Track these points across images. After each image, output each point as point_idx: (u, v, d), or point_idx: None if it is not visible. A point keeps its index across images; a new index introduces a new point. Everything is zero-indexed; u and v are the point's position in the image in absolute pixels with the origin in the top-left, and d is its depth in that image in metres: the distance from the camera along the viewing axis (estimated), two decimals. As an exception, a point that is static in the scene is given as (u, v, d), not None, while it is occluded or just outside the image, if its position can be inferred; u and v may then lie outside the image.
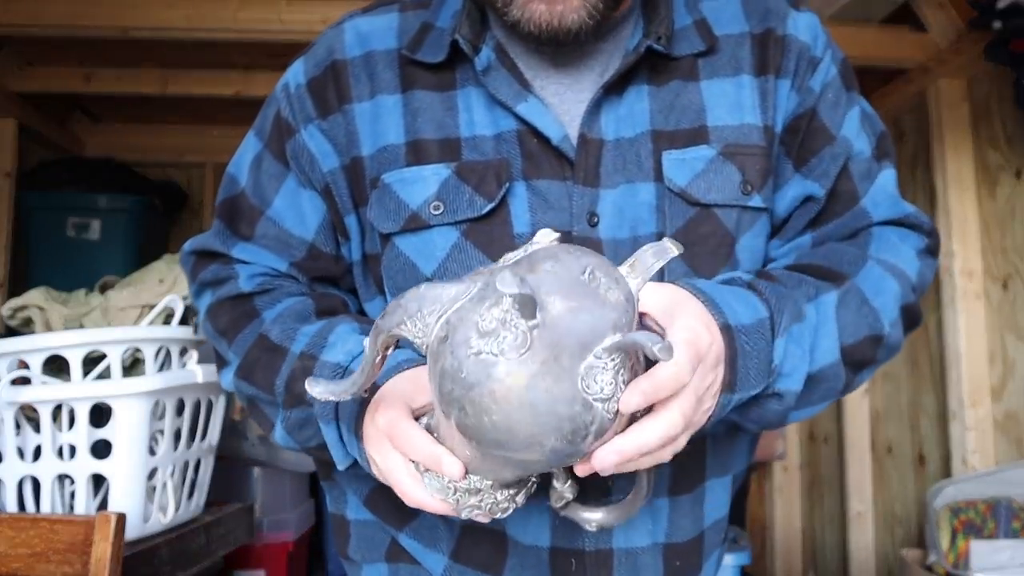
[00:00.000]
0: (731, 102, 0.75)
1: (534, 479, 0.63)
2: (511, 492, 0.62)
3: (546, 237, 0.58)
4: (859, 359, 0.71)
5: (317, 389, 0.62)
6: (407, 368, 0.67)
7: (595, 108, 0.74)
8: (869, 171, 0.79)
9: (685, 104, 0.75)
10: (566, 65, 0.76)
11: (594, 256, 0.55)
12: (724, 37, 0.77)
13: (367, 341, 0.61)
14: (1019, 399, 2.09)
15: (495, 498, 0.61)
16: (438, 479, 0.61)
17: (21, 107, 2.65)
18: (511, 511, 0.63)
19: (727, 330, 0.62)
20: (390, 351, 0.61)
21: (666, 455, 0.59)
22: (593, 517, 0.67)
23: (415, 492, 0.62)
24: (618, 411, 0.53)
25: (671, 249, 0.57)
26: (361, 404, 0.66)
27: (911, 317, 0.76)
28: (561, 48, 0.74)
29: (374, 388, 0.66)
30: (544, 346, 0.51)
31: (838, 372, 0.70)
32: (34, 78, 2.61)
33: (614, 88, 0.74)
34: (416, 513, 0.78)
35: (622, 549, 0.75)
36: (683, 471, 0.77)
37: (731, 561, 2.11)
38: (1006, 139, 2.15)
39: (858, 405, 2.61)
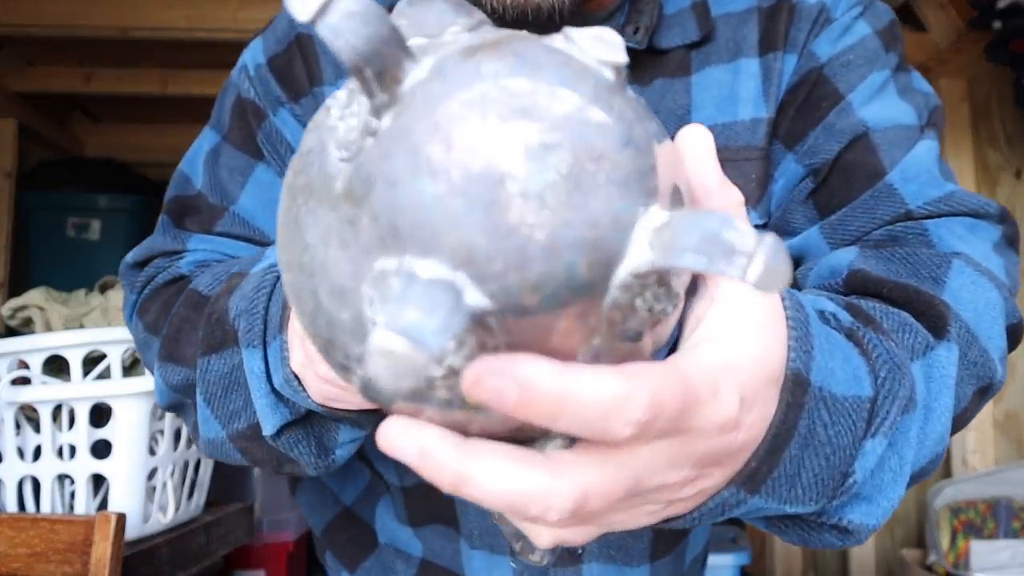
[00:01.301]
0: (724, 95, 0.62)
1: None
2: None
3: (598, 42, 0.30)
4: (960, 426, 0.51)
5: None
6: None
7: None
8: (905, 142, 0.59)
9: (670, 106, 0.62)
10: None
11: (611, 136, 0.28)
12: (724, 17, 0.63)
13: None
14: (1019, 399, 2.09)
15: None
16: None
17: (21, 107, 2.65)
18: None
19: (797, 386, 0.36)
20: None
21: (540, 539, 0.33)
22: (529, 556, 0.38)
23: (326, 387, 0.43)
24: (418, 392, 0.28)
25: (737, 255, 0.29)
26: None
27: (1016, 337, 0.56)
28: (540, 29, 0.60)
29: None
30: (357, 176, 0.28)
31: (940, 459, 0.48)
32: (34, 78, 2.61)
33: None
34: (369, 553, 0.71)
35: None
36: (667, 536, 0.67)
37: (731, 561, 2.11)
38: (1006, 139, 2.15)
39: (858, 405, 2.60)
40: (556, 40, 0.31)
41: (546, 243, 0.27)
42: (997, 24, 1.87)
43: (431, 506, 0.63)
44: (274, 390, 0.50)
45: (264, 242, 0.68)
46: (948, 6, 2.15)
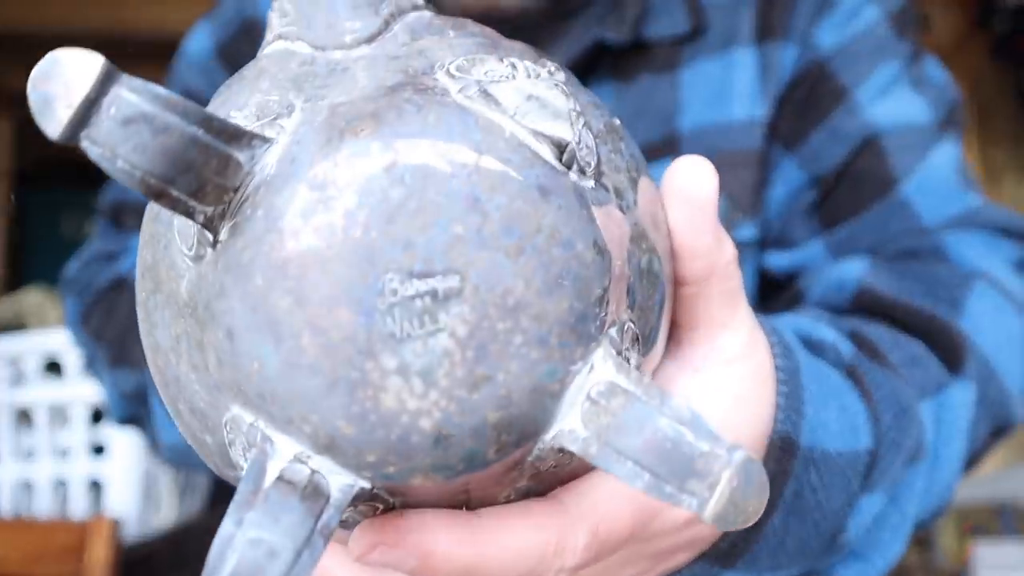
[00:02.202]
0: (715, 91, 0.54)
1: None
2: None
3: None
4: (969, 468, 0.46)
5: None
6: None
7: None
8: (920, 146, 0.53)
9: (656, 106, 0.55)
10: None
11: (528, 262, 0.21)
12: (715, 5, 0.56)
13: None
14: None
15: None
16: None
17: (18, 106, 2.64)
18: None
19: (787, 450, 0.32)
20: None
21: None
22: None
23: None
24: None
25: None
26: None
27: None
28: (511, 35, 0.53)
29: None
30: (192, 298, 0.22)
31: (947, 505, 0.45)
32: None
33: None
34: None
35: None
36: None
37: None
38: (1011, 138, 2.14)
39: (861, 406, 2.60)
40: (470, 101, 0.21)
41: (436, 432, 0.20)
42: (1003, 24, 1.87)
43: None
44: None
45: None
46: (953, 5, 2.15)
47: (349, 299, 0.20)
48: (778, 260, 0.56)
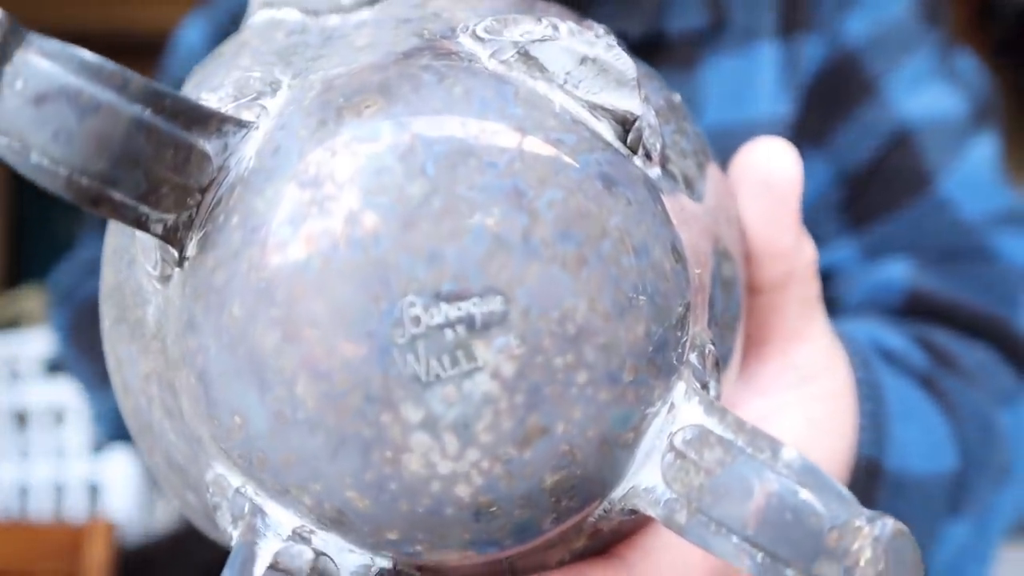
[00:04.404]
0: (736, 88, 0.52)
1: None
2: None
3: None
4: None
5: None
6: None
7: None
8: (955, 141, 0.50)
9: None
10: None
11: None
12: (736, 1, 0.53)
13: None
14: (1025, 400, 2.08)
15: None
16: None
17: (18, 106, 2.64)
18: None
19: (873, 475, 0.30)
20: None
21: None
22: None
23: None
24: None
25: None
26: None
27: None
28: None
29: None
30: (161, 313, 0.18)
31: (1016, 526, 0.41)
32: (31, 76, 2.61)
33: None
34: None
35: None
36: None
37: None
38: (1011, 138, 2.14)
39: (862, 406, 2.60)
40: (507, 68, 0.17)
41: (476, 503, 0.16)
42: (1003, 23, 1.87)
43: None
44: None
45: None
46: (953, 4, 2.15)
47: (357, 332, 0.15)
48: None
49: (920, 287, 0.43)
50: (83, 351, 0.56)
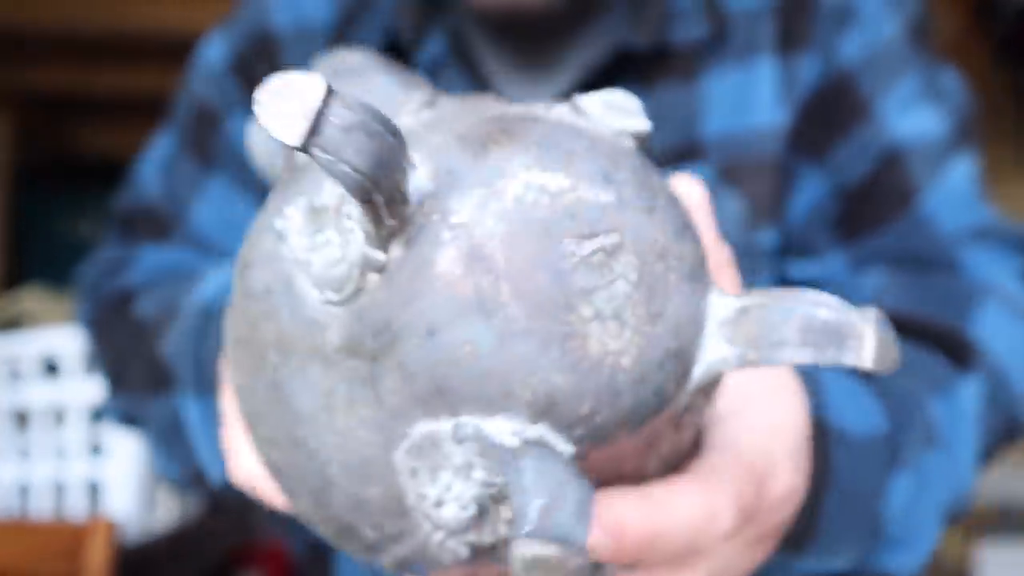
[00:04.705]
0: (737, 99, 0.55)
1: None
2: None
3: (614, 111, 0.27)
4: (986, 459, 0.48)
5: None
6: None
7: None
8: (937, 160, 0.54)
9: (676, 112, 0.55)
10: (538, 60, 0.57)
11: (660, 222, 0.25)
12: (738, 13, 0.56)
13: None
14: None
15: None
16: None
17: (18, 105, 2.64)
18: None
19: (820, 429, 0.36)
20: None
21: None
22: None
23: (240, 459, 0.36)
24: (474, 557, 0.25)
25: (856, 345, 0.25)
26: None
27: None
28: (532, 37, 0.56)
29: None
30: (368, 323, 0.23)
31: (969, 499, 0.45)
32: (32, 77, 2.60)
33: (588, 91, 0.53)
34: None
35: None
36: None
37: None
38: (1012, 137, 2.14)
39: (862, 406, 2.60)
40: (564, 113, 0.26)
41: (634, 368, 0.23)
42: (1005, 21, 1.86)
43: None
44: (216, 437, 0.45)
45: (217, 252, 0.62)
46: (953, 5, 2.14)
47: (542, 265, 0.22)
48: (800, 272, 0.57)
49: (881, 303, 0.48)
50: (98, 348, 0.59)
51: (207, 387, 0.45)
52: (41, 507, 1.10)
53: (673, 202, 0.26)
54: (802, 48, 0.55)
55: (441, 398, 0.22)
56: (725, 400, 0.31)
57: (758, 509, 0.29)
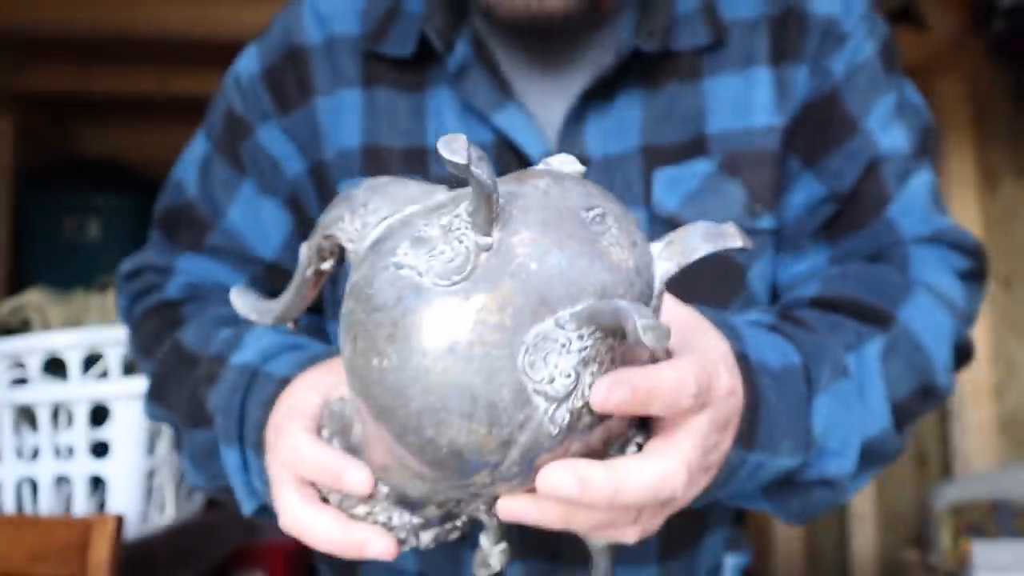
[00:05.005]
0: (738, 102, 0.63)
1: (455, 523, 0.46)
2: (413, 521, 0.44)
3: (567, 164, 0.42)
4: (907, 418, 0.57)
5: (240, 302, 0.50)
6: (324, 360, 0.53)
7: (577, 119, 0.62)
8: (904, 172, 0.63)
9: (682, 111, 0.63)
10: (554, 62, 0.64)
11: (615, 203, 0.40)
12: (735, 24, 0.64)
13: (303, 247, 0.47)
14: (1020, 399, 2.09)
15: (389, 517, 0.44)
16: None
17: (19, 106, 2.64)
18: (410, 546, 0.45)
19: (744, 363, 0.46)
20: (328, 266, 0.46)
21: (629, 536, 0.42)
22: None
23: (306, 517, 0.45)
24: (570, 424, 0.35)
25: (731, 236, 0.39)
26: (264, 408, 0.52)
27: (964, 355, 0.62)
28: (548, 41, 0.63)
29: (282, 385, 0.51)
30: (488, 282, 0.35)
31: (890, 438, 0.55)
32: (32, 77, 2.61)
33: (601, 94, 0.63)
34: (359, 570, 0.69)
35: None
36: (678, 534, 0.64)
37: (731, 562, 2.10)
38: (1007, 138, 2.15)
39: (859, 405, 2.60)
40: (547, 170, 0.42)
41: (635, 268, 0.38)
42: (999, 23, 1.87)
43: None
44: (251, 478, 0.54)
45: (248, 257, 0.68)
46: (949, 5, 2.15)
47: (577, 221, 0.37)
48: (787, 270, 0.66)
49: (834, 287, 0.59)
50: (149, 356, 0.65)
51: (246, 441, 0.52)
52: (46, 504, 1.11)
53: (617, 198, 0.41)
54: (794, 61, 0.63)
55: (544, 306, 0.35)
56: (672, 342, 0.42)
57: (711, 389, 0.41)
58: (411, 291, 0.35)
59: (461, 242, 0.36)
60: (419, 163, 0.63)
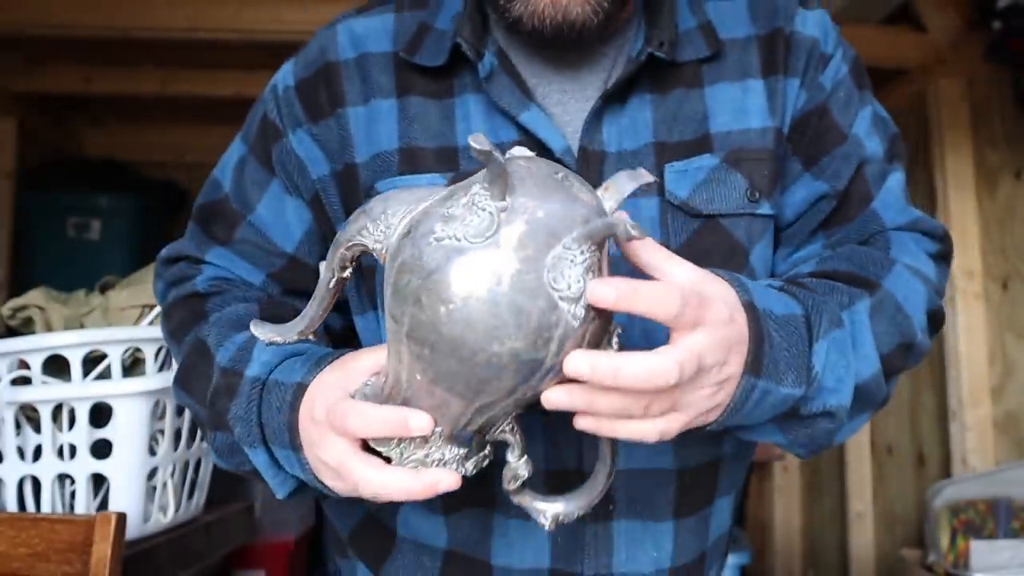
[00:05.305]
0: (736, 107, 0.73)
1: (485, 451, 0.57)
2: (459, 452, 0.55)
3: (524, 151, 0.56)
4: (892, 369, 0.67)
5: (260, 331, 0.62)
6: (331, 361, 0.61)
7: (596, 118, 0.71)
8: (882, 173, 0.75)
9: (688, 113, 0.72)
10: (569, 70, 0.73)
11: (568, 168, 0.57)
12: (730, 41, 0.75)
13: (323, 264, 0.58)
14: (1019, 399, 2.09)
15: (443, 453, 0.55)
16: (384, 444, 0.55)
17: (21, 107, 2.65)
18: (460, 475, 0.55)
19: (751, 309, 0.56)
20: (348, 273, 0.58)
21: (649, 432, 0.52)
22: (548, 508, 0.58)
23: (378, 476, 0.55)
24: (583, 317, 0.49)
25: (644, 176, 0.54)
26: (290, 411, 0.60)
27: (937, 321, 0.73)
28: (564, 51, 0.72)
29: (299, 389, 0.60)
30: (510, 232, 0.48)
31: (880, 384, 0.65)
32: (34, 78, 2.62)
33: (616, 97, 0.71)
34: (391, 551, 0.75)
35: (623, 575, 0.71)
36: (691, 493, 0.73)
37: (731, 561, 2.11)
38: (1006, 139, 2.15)
39: (858, 405, 2.60)
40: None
41: (599, 208, 0.52)
42: (997, 24, 1.87)
43: (468, 492, 0.61)
44: (282, 469, 0.64)
45: (271, 250, 0.77)
46: (948, 6, 2.15)
47: (558, 182, 0.52)
48: (787, 260, 0.76)
49: (828, 263, 0.71)
50: (172, 337, 0.75)
51: (273, 442, 0.63)
52: (49, 502, 1.11)
53: (597, 200, 0.53)
54: (784, 74, 0.74)
55: (553, 237, 0.49)
56: (684, 290, 0.51)
57: (703, 310, 0.51)
58: (456, 252, 0.49)
59: (484, 209, 0.49)
60: (450, 160, 0.71)
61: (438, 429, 0.53)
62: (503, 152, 0.68)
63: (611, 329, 0.53)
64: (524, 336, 0.48)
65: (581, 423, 0.52)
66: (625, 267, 0.55)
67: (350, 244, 0.56)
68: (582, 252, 0.49)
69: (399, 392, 0.54)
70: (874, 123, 0.77)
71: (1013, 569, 1.80)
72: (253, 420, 0.62)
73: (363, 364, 0.59)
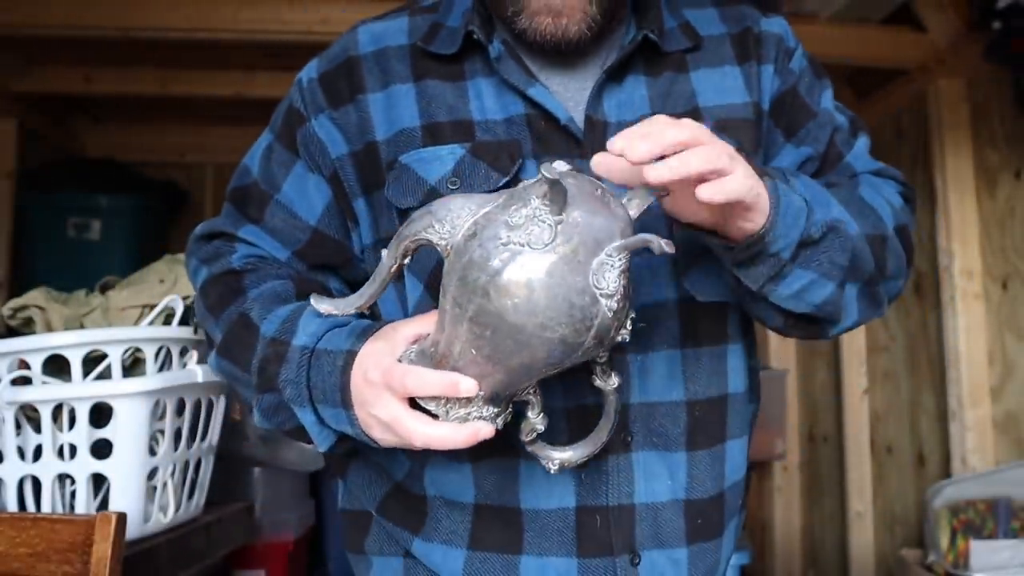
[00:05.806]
0: (718, 88, 0.85)
1: (510, 409, 0.68)
2: (495, 411, 0.66)
3: (563, 166, 0.64)
4: (875, 253, 0.77)
5: (323, 306, 0.71)
6: (374, 332, 0.71)
7: (598, 93, 0.81)
8: (849, 138, 0.91)
9: (678, 92, 0.84)
10: (567, 62, 0.84)
11: (603, 183, 0.66)
12: (707, 37, 0.88)
13: (385, 252, 0.67)
14: (1019, 399, 2.09)
15: (481, 413, 0.65)
16: (432, 403, 0.65)
17: (21, 107, 2.65)
18: (495, 427, 0.66)
19: (749, 159, 0.68)
20: (407, 260, 0.68)
21: (731, 175, 0.64)
22: (557, 455, 0.71)
23: (428, 428, 0.65)
24: (616, 311, 0.61)
25: (658, 193, 0.67)
26: (342, 374, 0.69)
27: (906, 240, 0.84)
28: (561, 55, 0.83)
29: (350, 355, 0.70)
30: (565, 241, 0.60)
31: (866, 253, 0.76)
32: (34, 78, 2.61)
33: (614, 76, 0.82)
34: (426, 514, 0.81)
35: (643, 504, 0.78)
36: (701, 427, 0.81)
37: (731, 561, 2.10)
38: (1005, 139, 2.15)
39: (858, 405, 2.61)
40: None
41: (627, 216, 0.64)
42: (997, 24, 1.87)
43: (495, 443, 0.69)
44: (326, 426, 0.73)
45: (297, 225, 0.85)
46: (947, 6, 2.15)
47: (600, 195, 0.64)
48: None
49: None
50: (210, 312, 0.82)
51: (323, 402, 0.71)
52: (49, 502, 1.11)
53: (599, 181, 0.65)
54: (757, 61, 0.87)
55: (598, 246, 0.60)
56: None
57: (706, 134, 0.64)
58: (520, 255, 0.60)
59: (544, 222, 0.60)
60: (467, 132, 0.80)
61: (481, 393, 0.64)
62: (530, 122, 0.82)
63: (629, 315, 0.66)
64: (571, 324, 0.60)
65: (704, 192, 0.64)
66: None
67: (415, 238, 0.65)
68: (620, 259, 0.60)
69: (449, 361, 0.64)
70: (835, 105, 0.92)
71: (1013, 569, 1.80)
72: (303, 383, 0.72)
73: (403, 334, 0.69)
